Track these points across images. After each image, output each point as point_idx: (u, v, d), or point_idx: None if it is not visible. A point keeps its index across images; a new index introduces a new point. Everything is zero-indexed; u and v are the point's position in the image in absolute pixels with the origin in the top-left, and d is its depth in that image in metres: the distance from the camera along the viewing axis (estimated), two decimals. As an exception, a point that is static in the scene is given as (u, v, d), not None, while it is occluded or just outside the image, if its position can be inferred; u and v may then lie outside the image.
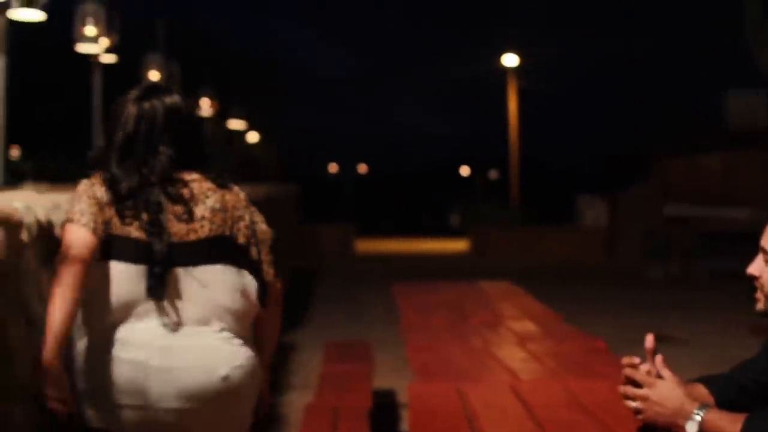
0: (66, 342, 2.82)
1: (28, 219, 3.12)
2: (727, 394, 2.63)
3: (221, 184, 3.11)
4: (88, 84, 8.99)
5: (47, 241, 3.23)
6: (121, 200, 2.96)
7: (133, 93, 3.13)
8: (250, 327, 3.14)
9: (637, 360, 2.58)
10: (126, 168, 3.01)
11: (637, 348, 2.75)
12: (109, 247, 2.93)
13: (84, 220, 2.89)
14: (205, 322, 2.98)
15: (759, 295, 2.61)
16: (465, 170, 54.53)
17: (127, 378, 2.89)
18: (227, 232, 3.05)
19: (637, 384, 2.54)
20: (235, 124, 22.39)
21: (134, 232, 2.95)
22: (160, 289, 2.91)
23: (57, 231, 3.19)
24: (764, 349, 2.68)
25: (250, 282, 3.07)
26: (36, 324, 3.02)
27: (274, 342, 3.30)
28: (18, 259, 2.99)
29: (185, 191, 3.03)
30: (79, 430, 2.92)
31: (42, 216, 3.25)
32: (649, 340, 2.58)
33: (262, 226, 3.15)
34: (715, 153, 21.54)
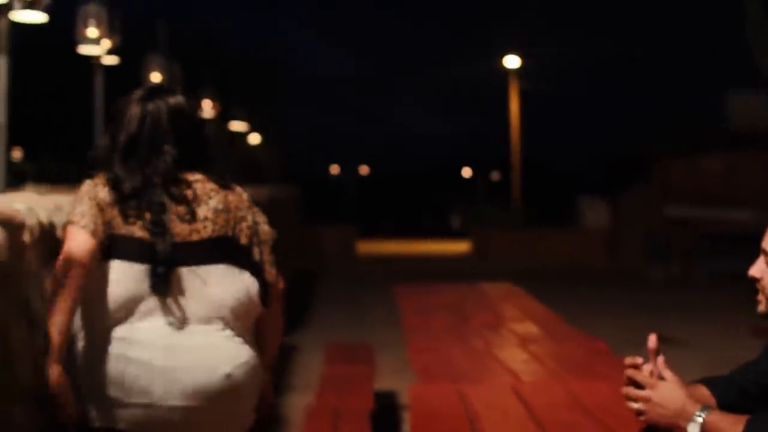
0: (66, 345, 2.85)
1: (30, 220, 3.13)
2: (728, 396, 2.63)
3: (224, 184, 3.13)
4: (89, 85, 8.98)
5: (49, 242, 3.23)
6: (124, 200, 2.98)
7: (137, 93, 3.15)
8: (252, 327, 3.15)
9: (639, 360, 2.58)
10: (129, 168, 3.03)
11: (638, 349, 2.76)
12: (112, 247, 2.95)
13: (84, 222, 2.91)
14: (207, 321, 3.00)
15: (760, 297, 2.61)
16: (466, 171, 54.53)
17: (131, 377, 2.90)
18: (230, 233, 3.07)
19: (639, 385, 2.54)
20: (237, 125, 22.37)
21: (137, 231, 2.97)
22: (164, 287, 2.93)
23: (59, 232, 3.20)
24: (765, 350, 2.68)
25: (252, 282, 3.08)
26: (37, 325, 3.02)
27: (277, 342, 3.32)
28: (20, 261, 2.99)
29: (188, 192, 3.05)
30: (83, 429, 2.93)
31: (44, 217, 3.26)
32: (652, 340, 2.58)
33: (265, 227, 3.17)
34: (716, 154, 21.54)
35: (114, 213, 2.97)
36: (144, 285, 2.94)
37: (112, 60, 8.92)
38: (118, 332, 2.94)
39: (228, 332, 3.02)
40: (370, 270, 21.87)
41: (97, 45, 8.22)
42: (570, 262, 22.78)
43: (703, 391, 2.64)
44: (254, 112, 24.31)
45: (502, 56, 30.95)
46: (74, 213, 2.94)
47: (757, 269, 2.61)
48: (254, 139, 26.89)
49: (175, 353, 2.93)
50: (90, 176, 3.06)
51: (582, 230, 25.70)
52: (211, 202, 3.06)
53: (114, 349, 2.92)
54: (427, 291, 9.17)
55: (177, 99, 3.16)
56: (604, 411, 4.15)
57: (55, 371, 2.79)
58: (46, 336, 2.80)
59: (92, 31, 8.12)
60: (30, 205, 3.23)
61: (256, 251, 3.11)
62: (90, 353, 2.94)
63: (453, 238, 34.39)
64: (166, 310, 2.96)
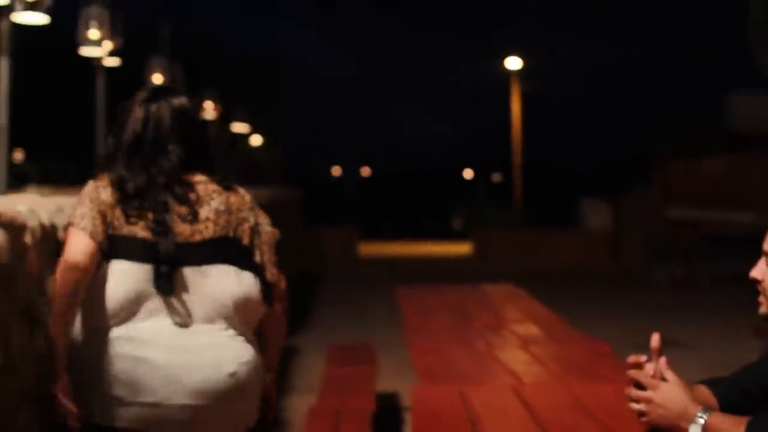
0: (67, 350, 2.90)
1: (32, 222, 3.13)
2: (730, 397, 2.63)
3: (227, 186, 3.15)
4: (91, 87, 8.98)
5: (50, 244, 3.23)
6: (127, 200, 3.01)
7: (141, 95, 3.18)
8: (255, 327, 3.17)
9: (643, 358, 2.58)
10: (133, 168, 3.06)
11: (639, 351, 2.75)
12: (114, 247, 2.97)
13: (83, 224, 2.94)
14: (211, 320, 3.02)
15: (762, 298, 2.61)
16: (468, 173, 54.56)
17: (136, 375, 2.92)
18: (231, 234, 3.09)
19: (641, 386, 2.54)
20: (239, 127, 22.38)
21: (140, 232, 2.99)
22: (168, 287, 2.96)
23: (60, 234, 3.21)
24: (767, 352, 2.68)
25: (253, 282, 3.10)
26: (39, 326, 3.03)
27: (281, 342, 3.34)
28: (21, 262, 3.00)
29: (191, 194, 3.07)
30: (88, 428, 2.95)
31: (45, 219, 3.26)
32: (655, 340, 2.58)
33: (267, 228, 3.19)
34: (718, 155, 21.53)
35: (116, 214, 3.00)
36: (147, 284, 2.96)
37: (113, 62, 8.92)
38: (123, 331, 2.96)
39: (231, 331, 3.05)
40: (371, 271, 21.87)
41: (98, 47, 8.22)
42: (571, 263, 22.78)
43: (705, 392, 2.64)
44: (256, 113, 24.32)
45: (503, 58, 30.97)
46: (75, 215, 2.97)
47: (758, 271, 2.61)
48: (256, 140, 26.90)
49: (179, 352, 2.95)
50: (94, 177, 3.09)
51: (584, 232, 25.70)
52: (212, 203, 3.08)
53: (119, 348, 2.94)
54: (428, 292, 9.17)
55: (181, 100, 3.19)
56: (606, 413, 4.15)
57: (63, 379, 2.84)
58: (49, 342, 2.83)
59: (94, 33, 8.12)
60: (31, 206, 3.23)
61: (257, 252, 3.14)
62: (95, 353, 2.95)
63: (454, 240, 34.40)
64: (170, 310, 2.98)
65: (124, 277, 2.95)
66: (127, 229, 2.99)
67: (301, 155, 47.91)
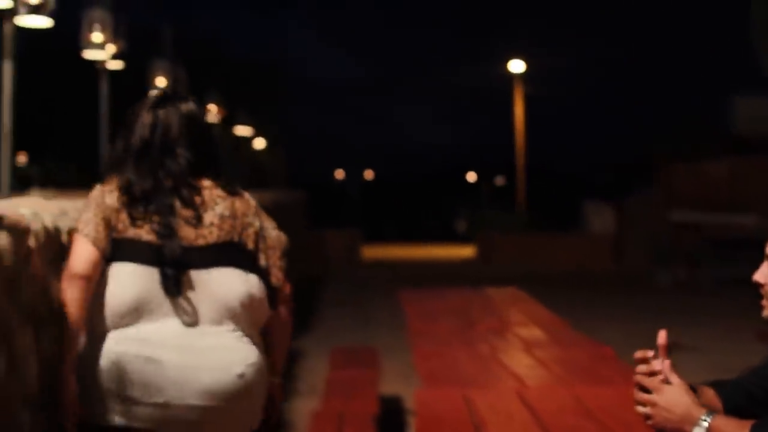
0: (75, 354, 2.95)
1: (35, 225, 3.13)
2: (734, 400, 2.63)
3: (232, 191, 3.18)
4: (94, 90, 9.00)
5: (54, 247, 3.24)
6: (133, 203, 3.04)
7: (149, 100, 3.19)
8: (260, 330, 3.19)
9: (650, 353, 2.58)
10: (141, 171, 3.09)
11: (643, 354, 2.75)
12: (120, 250, 3.00)
13: (87, 230, 2.99)
14: (218, 322, 3.05)
15: (765, 302, 2.61)
16: (471, 176, 54.55)
17: (145, 376, 2.94)
18: (236, 238, 3.11)
19: (646, 390, 2.54)
20: (242, 130, 22.41)
21: (145, 235, 3.02)
22: (176, 289, 2.98)
23: (64, 237, 3.23)
24: (771, 355, 2.68)
25: (258, 285, 3.12)
26: (43, 329, 3.03)
27: (287, 345, 3.37)
28: (25, 266, 3.00)
29: (197, 198, 3.09)
30: (96, 429, 2.96)
31: (49, 222, 3.26)
32: (662, 336, 2.58)
33: (272, 232, 3.21)
34: (721, 159, 21.51)
35: (121, 217, 3.03)
36: (154, 287, 2.98)
37: (116, 65, 8.95)
38: (132, 333, 2.98)
39: (238, 333, 3.07)
40: (374, 274, 21.87)
41: (102, 50, 8.25)
42: (575, 266, 22.77)
43: (710, 394, 2.64)
44: (259, 116, 24.34)
45: (506, 61, 30.97)
46: (81, 219, 3.02)
47: (761, 274, 2.61)
48: (259, 143, 26.93)
49: (188, 353, 2.97)
50: (101, 181, 3.12)
51: (587, 235, 25.68)
52: (217, 208, 3.10)
53: (128, 349, 2.96)
54: (432, 295, 9.16)
55: (189, 106, 3.21)
56: (610, 416, 4.15)
57: (71, 382, 2.89)
58: (60, 344, 2.87)
59: (97, 36, 8.15)
60: (35, 209, 3.23)
61: (262, 256, 3.16)
62: (103, 355, 2.98)
63: (458, 243, 34.37)
64: (178, 311, 3.00)
65: (132, 279, 2.98)
66: (132, 232, 3.01)
67: (304, 158, 47.96)
